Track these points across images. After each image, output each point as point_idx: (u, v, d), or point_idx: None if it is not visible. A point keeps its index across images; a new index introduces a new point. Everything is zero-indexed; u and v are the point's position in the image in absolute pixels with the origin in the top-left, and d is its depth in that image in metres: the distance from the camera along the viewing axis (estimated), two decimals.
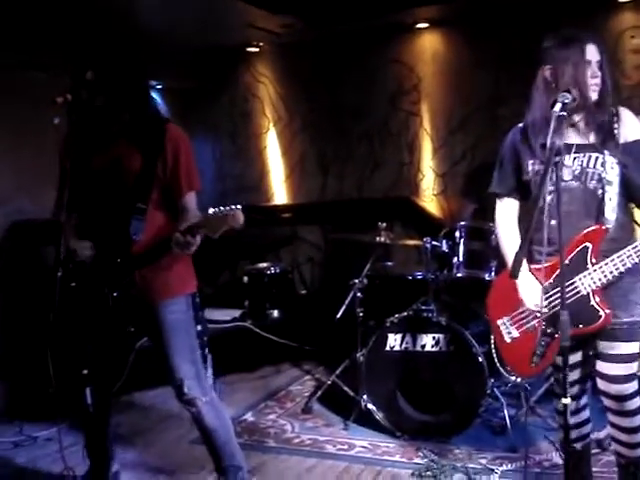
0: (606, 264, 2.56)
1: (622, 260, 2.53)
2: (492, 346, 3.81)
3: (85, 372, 2.88)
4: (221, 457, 3.06)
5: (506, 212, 2.90)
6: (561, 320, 2.30)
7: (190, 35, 5.51)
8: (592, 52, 2.56)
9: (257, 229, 6.34)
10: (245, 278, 5.82)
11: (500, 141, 2.87)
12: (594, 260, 2.58)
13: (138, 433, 4.13)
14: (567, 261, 2.56)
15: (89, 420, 3.06)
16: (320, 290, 6.33)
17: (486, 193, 2.95)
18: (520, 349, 2.75)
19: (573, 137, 2.63)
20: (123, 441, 3.84)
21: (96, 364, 2.97)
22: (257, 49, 6.38)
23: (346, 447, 3.83)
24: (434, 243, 4.12)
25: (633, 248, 2.51)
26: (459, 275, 4.10)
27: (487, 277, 3.99)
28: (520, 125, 2.78)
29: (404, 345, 3.86)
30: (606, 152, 2.57)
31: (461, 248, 4.11)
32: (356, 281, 4.32)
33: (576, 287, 2.59)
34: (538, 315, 2.64)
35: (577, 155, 2.61)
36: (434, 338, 3.80)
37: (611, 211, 2.58)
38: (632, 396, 2.66)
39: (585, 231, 2.59)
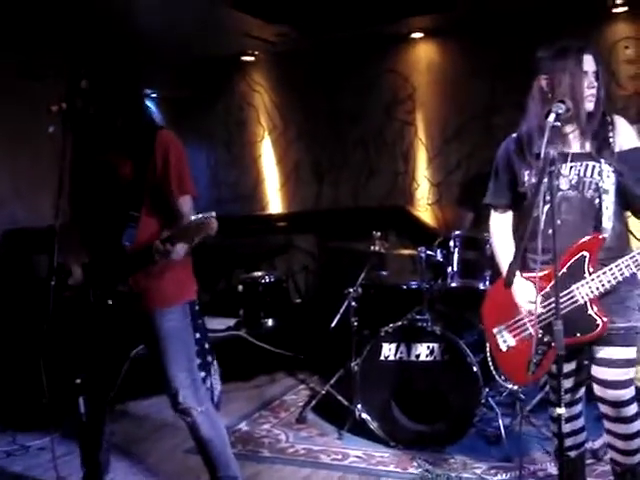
0: (604, 273, 2.55)
1: (620, 270, 2.53)
2: (487, 355, 3.80)
3: (78, 381, 2.86)
4: (216, 467, 3.04)
5: (501, 223, 2.90)
6: (555, 330, 2.30)
7: (186, 44, 5.54)
8: (589, 62, 2.57)
9: (252, 238, 6.35)
10: (240, 287, 5.81)
11: (495, 150, 2.87)
12: (591, 269, 2.58)
13: (133, 442, 4.11)
14: (564, 270, 2.57)
15: (83, 429, 3.04)
16: (315, 299, 6.32)
17: (481, 203, 2.96)
18: (516, 357, 2.75)
19: (569, 146, 2.63)
20: (117, 450, 3.80)
21: (90, 373, 2.95)
22: (252, 58, 6.40)
23: (340, 457, 3.81)
24: (429, 252, 4.12)
25: (631, 258, 2.51)
26: (453, 285, 4.10)
27: (482, 286, 3.99)
28: (514, 135, 2.78)
29: (399, 355, 3.85)
30: (602, 160, 2.57)
31: (455, 257, 4.10)
32: (351, 290, 4.32)
33: (573, 296, 2.59)
34: (534, 319, 2.63)
35: (574, 164, 2.61)
36: (429, 347, 3.79)
37: (608, 220, 2.58)
38: (629, 402, 2.64)
39: (582, 240, 2.59)
